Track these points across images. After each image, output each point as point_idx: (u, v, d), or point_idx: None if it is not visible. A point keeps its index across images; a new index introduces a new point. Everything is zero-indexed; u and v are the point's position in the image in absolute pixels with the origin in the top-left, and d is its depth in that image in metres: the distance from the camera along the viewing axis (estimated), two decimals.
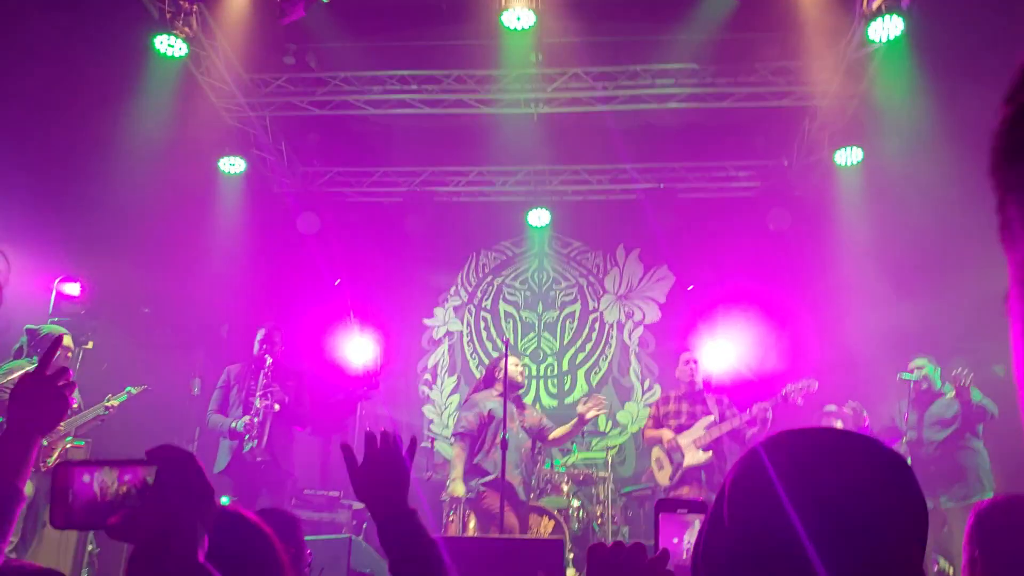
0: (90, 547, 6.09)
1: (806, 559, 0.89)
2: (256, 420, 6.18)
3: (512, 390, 6.26)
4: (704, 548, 1.03)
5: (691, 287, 9.51)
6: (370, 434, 1.71)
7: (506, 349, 6.01)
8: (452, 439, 6.44)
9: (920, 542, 0.95)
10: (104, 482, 1.01)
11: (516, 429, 6.10)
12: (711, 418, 6.27)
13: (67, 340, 5.94)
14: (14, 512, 1.49)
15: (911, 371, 5.95)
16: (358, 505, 7.73)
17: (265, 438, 6.16)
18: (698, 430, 6.24)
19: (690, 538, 1.44)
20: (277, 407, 6.25)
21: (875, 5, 6.61)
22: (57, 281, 6.77)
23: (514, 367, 6.26)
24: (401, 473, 1.71)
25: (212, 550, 1.03)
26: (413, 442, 1.75)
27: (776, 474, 0.96)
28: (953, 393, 5.81)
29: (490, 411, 6.11)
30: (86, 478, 1.01)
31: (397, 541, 1.63)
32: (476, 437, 6.10)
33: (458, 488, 5.98)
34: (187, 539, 1.00)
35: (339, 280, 8.87)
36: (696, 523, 1.47)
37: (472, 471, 6.07)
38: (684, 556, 1.43)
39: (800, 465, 0.96)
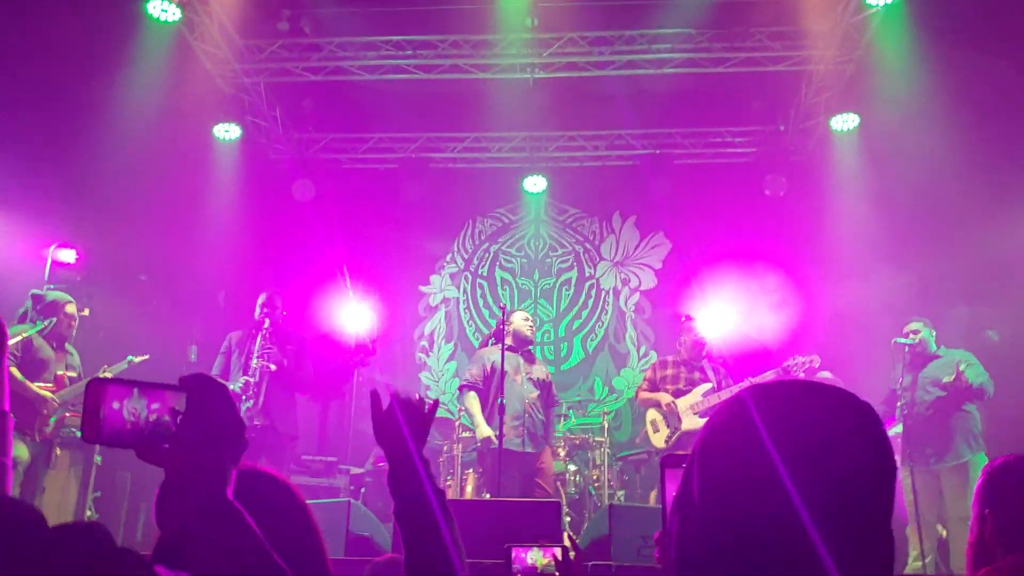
0: (92, 500, 6.12)
1: (781, 506, 0.90)
2: (252, 381, 6.20)
3: (521, 344, 6.43)
4: (677, 505, 1.03)
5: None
6: (397, 392, 1.79)
7: (503, 316, 6.05)
8: (458, 391, 6.61)
9: (888, 494, 0.96)
10: (133, 405, 1.03)
11: (522, 380, 6.24)
12: (709, 385, 6.33)
13: (71, 308, 5.96)
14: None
15: (906, 335, 5.99)
16: (356, 470, 7.80)
17: (261, 399, 6.18)
18: (695, 395, 6.29)
19: None
20: (273, 367, 6.27)
21: None
22: (52, 248, 6.76)
23: (523, 321, 6.49)
24: (421, 423, 1.75)
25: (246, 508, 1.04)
26: (435, 404, 1.81)
27: (748, 426, 0.96)
28: (950, 362, 5.87)
29: (492, 364, 6.22)
30: (116, 402, 1.02)
31: (406, 484, 1.67)
32: (481, 389, 6.27)
33: (485, 430, 6.09)
34: (215, 472, 1.01)
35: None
36: None
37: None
38: None
39: (772, 416, 0.95)
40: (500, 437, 5.71)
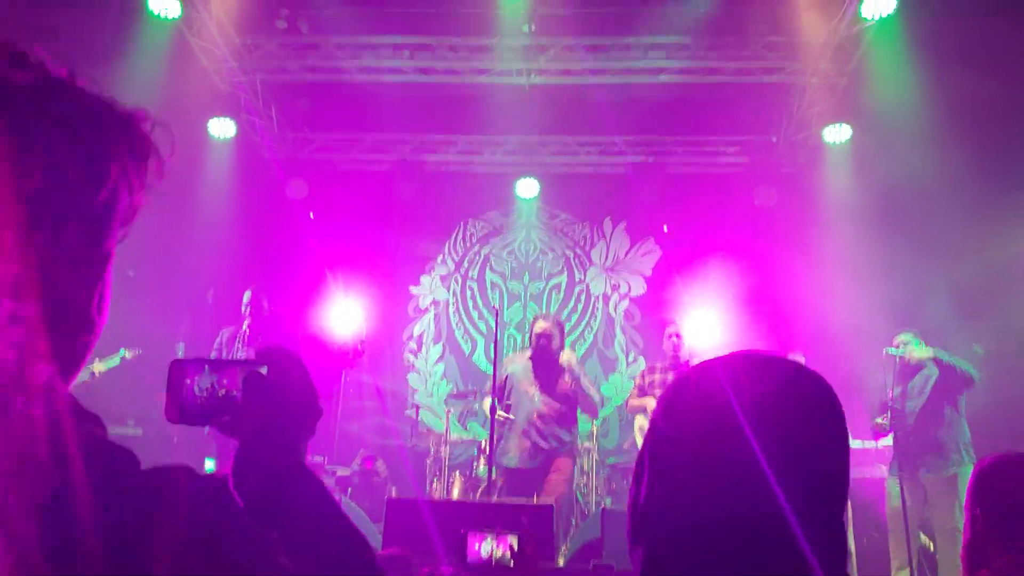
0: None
1: (746, 468, 0.90)
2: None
3: (534, 352, 6.24)
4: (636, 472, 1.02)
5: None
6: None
7: (496, 317, 6.05)
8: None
9: (846, 460, 0.96)
10: (204, 381, 1.05)
11: (533, 393, 6.11)
12: None
13: None
14: None
15: (896, 346, 6.04)
16: (343, 471, 7.79)
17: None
18: None
19: None
20: None
21: None
22: None
23: (536, 331, 6.24)
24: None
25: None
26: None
27: (707, 394, 0.96)
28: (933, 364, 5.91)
29: (507, 375, 6.21)
30: (189, 380, 1.05)
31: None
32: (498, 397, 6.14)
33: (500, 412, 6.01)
34: (290, 440, 1.03)
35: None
36: None
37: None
38: None
39: (732, 384, 0.95)
40: (491, 444, 5.71)
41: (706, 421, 0.94)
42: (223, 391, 1.04)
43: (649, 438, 1.01)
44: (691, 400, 0.98)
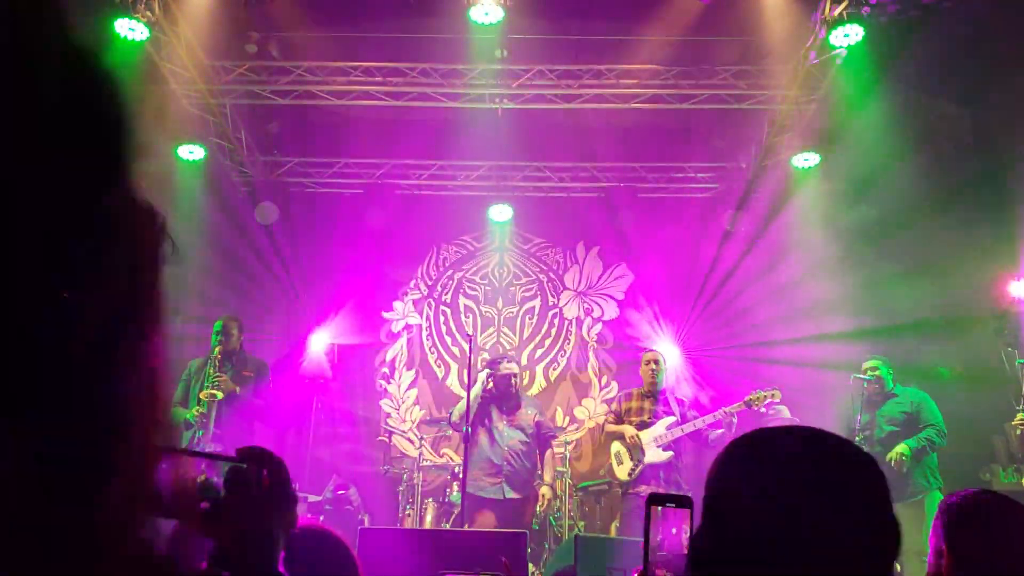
0: None
1: (796, 548, 0.94)
2: (201, 412, 6.12)
3: (502, 394, 6.45)
4: (698, 542, 1.06)
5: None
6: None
7: (470, 344, 6.05)
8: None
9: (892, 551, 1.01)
10: (182, 472, 1.01)
11: (503, 427, 6.28)
12: (672, 419, 6.37)
13: None
14: None
15: (864, 372, 6.10)
16: (314, 498, 7.69)
17: (211, 426, 6.08)
18: (659, 428, 6.33)
19: (686, 528, 1.48)
20: (219, 395, 6.16)
21: (836, 12, 6.75)
22: None
23: (505, 370, 6.51)
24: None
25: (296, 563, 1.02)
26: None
27: (764, 471, 1.00)
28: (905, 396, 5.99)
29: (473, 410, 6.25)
30: (164, 470, 1.01)
31: None
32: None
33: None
34: (265, 543, 1.00)
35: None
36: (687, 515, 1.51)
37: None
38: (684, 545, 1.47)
39: (786, 464, 1.00)
40: (465, 469, 5.69)
41: (773, 483, 1.02)
42: (202, 477, 1.02)
43: (715, 490, 1.07)
44: (758, 463, 1.05)
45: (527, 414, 6.49)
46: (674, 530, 1.48)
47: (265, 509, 1.02)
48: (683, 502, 1.58)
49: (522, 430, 6.36)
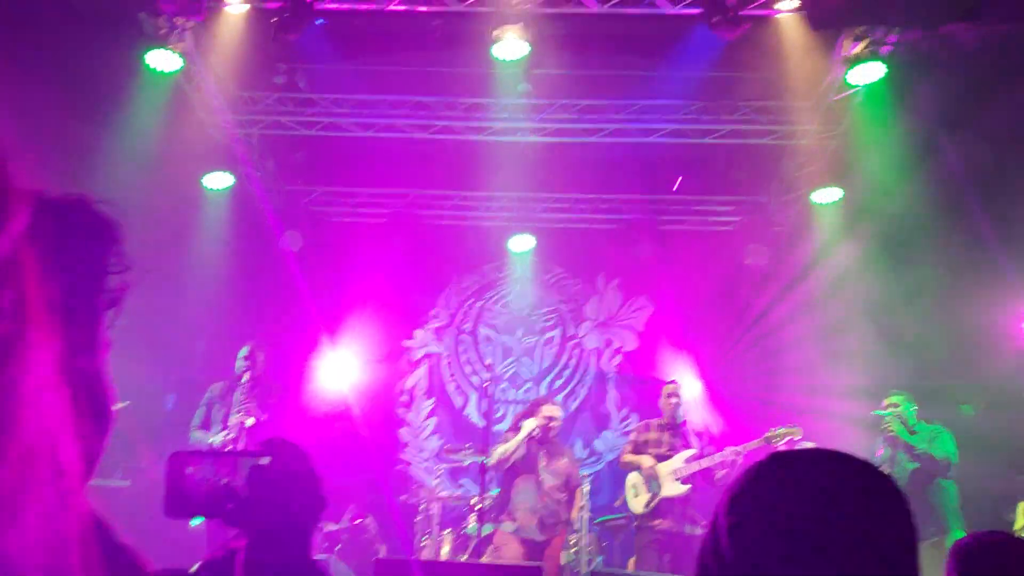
0: None
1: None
2: (230, 436, 6.18)
3: (538, 440, 6.37)
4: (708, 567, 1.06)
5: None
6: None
7: (491, 373, 6.07)
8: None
9: (915, 560, 1.00)
10: (205, 472, 1.04)
11: (540, 471, 6.24)
12: (692, 452, 6.33)
13: None
14: None
15: (886, 408, 6.05)
16: (331, 526, 7.70)
17: None
18: (678, 461, 6.29)
19: None
20: (251, 421, 6.23)
21: (856, 51, 6.80)
22: None
23: (548, 414, 6.43)
24: None
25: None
26: None
27: (773, 502, 1.01)
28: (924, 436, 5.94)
29: (513, 459, 6.27)
30: (189, 469, 1.04)
31: None
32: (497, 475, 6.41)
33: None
34: (299, 538, 1.03)
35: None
36: None
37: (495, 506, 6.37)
38: None
39: (797, 492, 1.00)
40: (481, 501, 5.69)
41: (785, 512, 0.99)
42: (225, 480, 1.03)
43: (724, 523, 1.04)
44: (769, 492, 1.03)
45: (563, 463, 6.40)
46: None
47: (290, 507, 1.04)
48: None
49: (559, 476, 6.30)
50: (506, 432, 6.59)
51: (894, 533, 0.99)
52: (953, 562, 2.04)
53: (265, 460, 1.06)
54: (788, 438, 6.15)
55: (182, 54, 7.04)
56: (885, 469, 5.40)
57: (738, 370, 9.01)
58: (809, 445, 6.97)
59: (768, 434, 6.18)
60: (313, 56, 7.91)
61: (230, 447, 6.12)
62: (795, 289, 8.79)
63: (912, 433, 6.00)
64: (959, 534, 5.62)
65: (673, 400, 6.53)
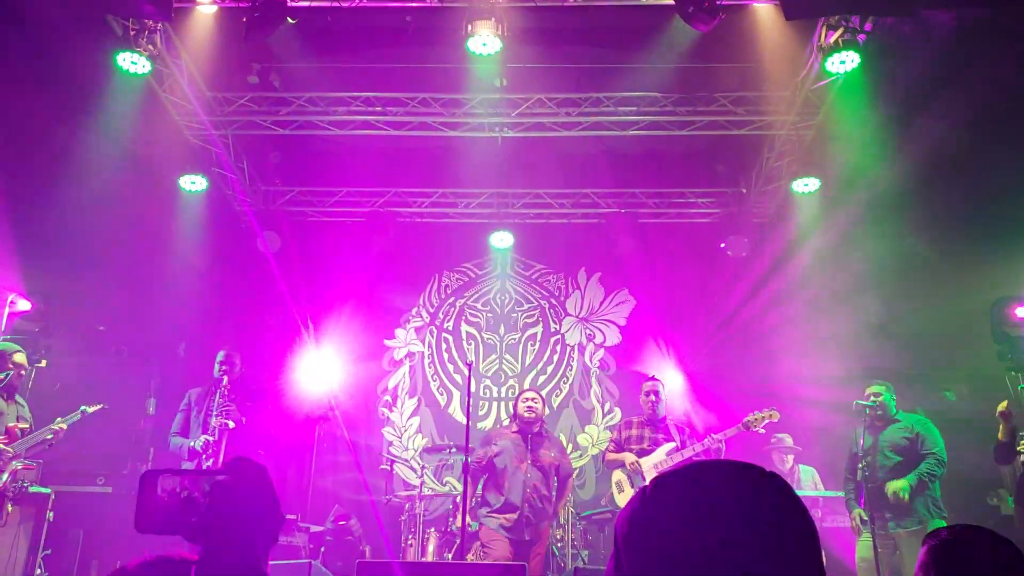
0: (43, 558, 5.94)
1: None
2: (211, 440, 6.15)
3: (525, 427, 6.34)
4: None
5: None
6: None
7: (469, 371, 6.04)
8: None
9: (817, 554, 0.98)
10: (168, 486, 1.06)
11: (526, 468, 6.16)
12: (673, 444, 6.34)
13: (20, 358, 5.85)
14: None
15: (867, 397, 6.04)
16: (316, 528, 7.65)
17: (221, 457, 6.11)
18: (659, 455, 6.30)
19: None
20: (232, 424, 6.23)
21: (832, 40, 6.79)
22: (9, 298, 6.65)
23: (522, 403, 6.41)
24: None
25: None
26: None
27: (666, 515, 0.99)
28: (908, 422, 5.94)
29: (498, 452, 6.23)
30: (161, 488, 1.07)
31: None
32: (481, 475, 6.31)
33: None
34: (252, 549, 1.03)
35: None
36: None
37: (480, 502, 6.32)
38: None
39: (690, 504, 0.99)
40: (464, 496, 5.66)
41: (684, 524, 0.98)
42: (185, 492, 1.05)
43: (626, 533, 1.03)
44: (668, 504, 1.02)
45: (550, 455, 6.33)
46: None
47: (246, 519, 1.05)
48: None
49: (545, 471, 6.24)
50: (501, 428, 6.64)
51: (777, 532, 0.97)
52: (927, 554, 2.02)
53: (222, 477, 1.07)
54: (766, 421, 6.18)
55: (150, 57, 6.95)
56: (867, 459, 5.42)
57: (720, 360, 9.01)
58: (788, 441, 7.00)
59: (747, 419, 6.20)
60: (287, 55, 7.84)
61: (211, 451, 6.08)
62: (775, 278, 8.80)
63: (894, 421, 5.99)
64: (941, 523, 5.63)
65: (651, 398, 6.53)
